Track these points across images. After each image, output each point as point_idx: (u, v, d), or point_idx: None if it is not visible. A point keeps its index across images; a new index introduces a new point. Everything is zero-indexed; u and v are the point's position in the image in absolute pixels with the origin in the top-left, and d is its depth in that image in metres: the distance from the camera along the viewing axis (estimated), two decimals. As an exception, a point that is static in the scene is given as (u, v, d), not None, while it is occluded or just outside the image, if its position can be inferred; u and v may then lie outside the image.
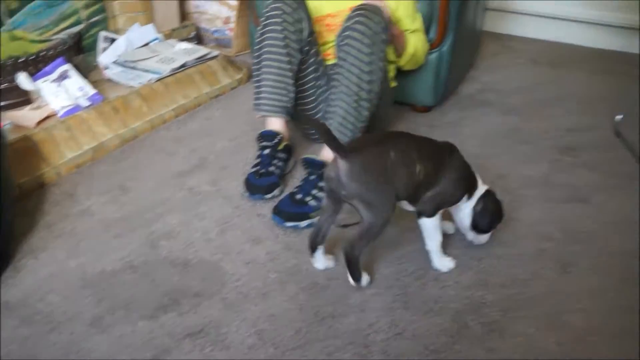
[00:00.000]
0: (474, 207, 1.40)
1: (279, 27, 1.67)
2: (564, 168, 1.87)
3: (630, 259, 1.47)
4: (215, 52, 2.45)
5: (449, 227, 1.52)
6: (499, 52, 2.94)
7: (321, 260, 1.40)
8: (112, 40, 2.38)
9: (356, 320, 1.26)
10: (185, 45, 2.45)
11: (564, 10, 3.12)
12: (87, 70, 2.30)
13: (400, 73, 2.03)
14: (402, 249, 1.48)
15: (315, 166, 1.57)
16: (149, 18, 2.55)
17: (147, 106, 2.13)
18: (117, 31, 2.48)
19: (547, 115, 2.24)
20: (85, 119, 1.94)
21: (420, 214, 1.36)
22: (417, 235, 1.41)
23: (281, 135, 1.72)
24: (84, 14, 2.36)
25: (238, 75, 2.45)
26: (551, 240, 1.54)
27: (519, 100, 2.37)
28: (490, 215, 1.41)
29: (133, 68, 2.26)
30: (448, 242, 1.49)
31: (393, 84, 1.96)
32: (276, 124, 1.76)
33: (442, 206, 1.36)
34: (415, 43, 1.90)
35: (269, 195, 1.65)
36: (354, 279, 1.31)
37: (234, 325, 1.25)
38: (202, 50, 2.43)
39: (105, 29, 2.45)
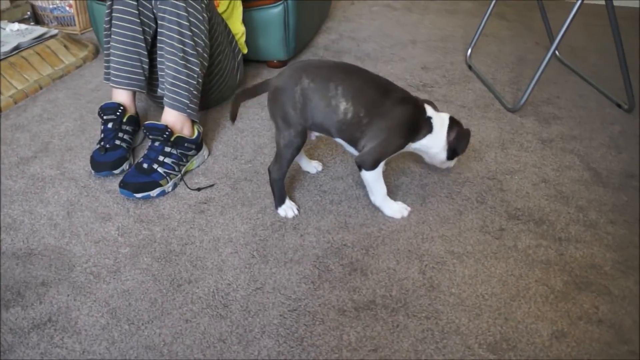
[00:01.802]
0: (448, 139, 1.34)
1: None
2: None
3: (483, 182, 1.52)
4: (54, 31, 2.26)
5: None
6: (354, 1, 2.95)
7: (307, 166, 1.56)
8: None
9: (214, 282, 1.20)
10: (17, 25, 2.25)
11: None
12: None
13: (250, 29, 1.96)
14: (259, 203, 1.44)
15: (158, 131, 1.48)
16: (-27, -1, 2.31)
17: (-21, 95, 1.93)
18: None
19: (403, 57, 2.28)
20: None
21: (359, 167, 1.32)
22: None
23: (123, 107, 1.60)
24: None
25: (83, 53, 2.28)
26: (409, 174, 1.55)
27: (375, 46, 2.39)
28: (465, 139, 1.35)
29: (-41, 55, 2.04)
30: (305, 189, 1.46)
31: (244, 50, 1.91)
32: (121, 95, 1.64)
33: (382, 158, 1.30)
34: None
35: (117, 171, 1.54)
36: (275, 201, 1.39)
37: (84, 308, 1.15)
38: (38, 30, 2.24)
39: None
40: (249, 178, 1.54)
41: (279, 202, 1.38)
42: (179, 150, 1.50)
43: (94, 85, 2.08)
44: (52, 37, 2.24)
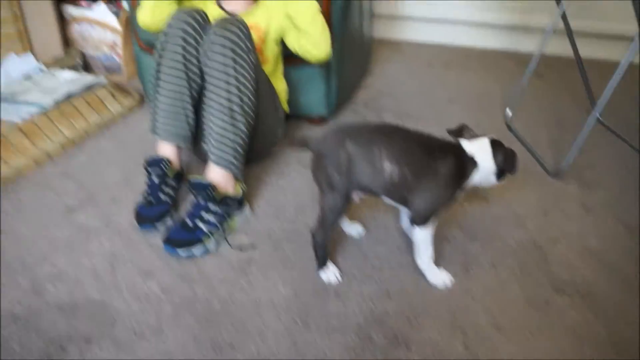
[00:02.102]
0: (496, 162, 1.33)
1: (179, 48, 1.59)
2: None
3: (526, 251, 1.51)
4: (103, 80, 2.34)
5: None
6: (393, 58, 2.99)
7: (349, 229, 1.56)
8: (-13, 74, 2.23)
9: (256, 348, 1.20)
10: (69, 74, 2.33)
11: (451, 14, 3.23)
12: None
13: (291, 86, 2.00)
14: (302, 265, 1.44)
15: (203, 188, 1.50)
16: (27, 47, 2.41)
17: (29, 141, 1.99)
18: (-7, 63, 2.32)
19: (442, 116, 2.29)
20: (-41, 160, 1.79)
21: (411, 221, 1.34)
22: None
23: (168, 161, 1.64)
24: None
25: (129, 102, 2.35)
26: (451, 240, 1.55)
27: (415, 104, 2.41)
28: (513, 160, 1.33)
29: (12, 102, 2.12)
30: (347, 252, 1.47)
31: (286, 108, 1.97)
32: (166, 149, 1.68)
33: (433, 212, 1.31)
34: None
35: (160, 225, 1.57)
36: (318, 264, 1.39)
37: (126, 367, 1.16)
38: (88, 79, 2.31)
39: (-21, 62, 2.29)
40: (291, 239, 1.54)
41: (322, 265, 1.38)
42: (222, 208, 1.52)
43: (140, 134, 2.13)
44: (100, 85, 2.31)
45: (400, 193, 1.30)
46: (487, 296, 1.35)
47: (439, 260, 1.46)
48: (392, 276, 1.41)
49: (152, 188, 1.60)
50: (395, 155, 1.26)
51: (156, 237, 1.54)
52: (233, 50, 1.53)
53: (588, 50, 2.79)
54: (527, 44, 3.13)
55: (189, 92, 1.63)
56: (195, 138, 1.71)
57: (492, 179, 1.36)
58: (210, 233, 1.48)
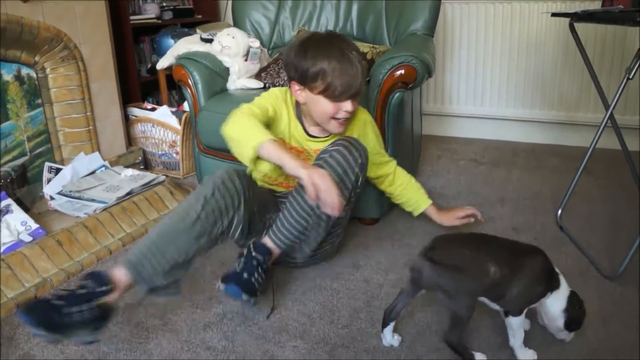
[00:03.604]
0: (565, 309, 1.46)
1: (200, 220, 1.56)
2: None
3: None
4: (162, 177, 2.46)
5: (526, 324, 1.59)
6: (441, 155, 3.05)
7: (388, 337, 1.54)
8: (58, 171, 2.38)
9: None
10: (131, 171, 2.46)
11: (497, 111, 3.31)
12: (33, 201, 2.28)
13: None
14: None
15: (265, 251, 1.63)
16: (95, 146, 2.57)
17: (92, 237, 2.09)
18: (63, 161, 2.48)
19: (492, 217, 2.30)
20: (28, 254, 1.88)
21: (506, 313, 1.44)
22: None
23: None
24: (28, 145, 2.36)
25: (186, 198, 2.45)
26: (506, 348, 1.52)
27: (464, 203, 2.43)
28: (580, 314, 1.49)
29: (79, 198, 2.25)
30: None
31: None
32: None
33: (527, 304, 1.44)
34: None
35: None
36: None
37: None
38: (148, 176, 2.44)
39: (51, 159, 2.45)
40: (347, 344, 1.55)
41: (471, 356, 1.44)
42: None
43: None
44: (160, 183, 2.43)
45: (497, 291, 1.42)
46: None
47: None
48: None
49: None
50: (496, 256, 1.41)
51: (213, 339, 1.57)
52: (345, 171, 1.66)
53: (634, 143, 2.80)
54: (573, 139, 3.17)
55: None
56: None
57: (559, 321, 1.48)
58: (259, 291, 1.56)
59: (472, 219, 2.02)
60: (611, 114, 2.30)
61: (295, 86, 1.74)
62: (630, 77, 2.30)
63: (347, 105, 1.70)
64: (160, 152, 2.79)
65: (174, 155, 2.77)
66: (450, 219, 2.00)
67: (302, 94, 1.74)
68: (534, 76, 3.20)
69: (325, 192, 1.47)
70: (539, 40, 3.14)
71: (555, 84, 3.17)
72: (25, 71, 2.33)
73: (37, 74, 2.38)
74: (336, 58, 1.65)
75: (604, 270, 1.89)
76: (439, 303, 1.53)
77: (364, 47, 2.40)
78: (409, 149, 2.49)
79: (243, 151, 1.58)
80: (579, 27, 2.19)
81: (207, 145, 2.32)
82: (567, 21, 2.19)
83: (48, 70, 2.40)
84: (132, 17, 3.13)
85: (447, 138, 3.32)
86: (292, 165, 1.51)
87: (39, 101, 2.41)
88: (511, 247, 1.47)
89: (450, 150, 3.13)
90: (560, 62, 3.13)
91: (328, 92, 1.68)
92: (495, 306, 1.46)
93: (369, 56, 2.36)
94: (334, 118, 1.73)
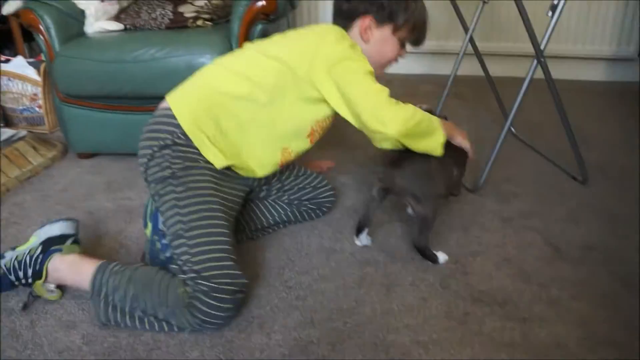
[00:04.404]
0: None
1: None
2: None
3: (446, 267, 1.55)
4: (23, 133, 2.30)
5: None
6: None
7: (363, 240, 1.65)
8: None
9: (180, 388, 1.19)
10: (-14, 130, 2.28)
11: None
12: None
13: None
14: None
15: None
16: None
17: (-55, 201, 1.94)
18: None
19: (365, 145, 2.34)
20: None
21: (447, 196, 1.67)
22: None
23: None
24: None
25: (51, 153, 2.31)
26: (373, 264, 1.58)
27: (337, 133, 2.46)
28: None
29: None
30: (270, 285, 1.48)
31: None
32: None
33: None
34: None
35: None
36: (432, 262, 1.57)
37: None
38: (7, 133, 2.28)
39: None
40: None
41: (435, 258, 1.58)
42: None
43: (62, 186, 2.10)
44: (20, 138, 2.27)
45: (453, 189, 1.69)
46: (408, 314, 1.38)
47: (361, 284, 1.49)
48: (316, 304, 1.42)
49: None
50: (455, 160, 1.64)
51: (79, 289, 1.51)
52: None
53: (502, 69, 2.94)
54: (445, 68, 3.27)
55: None
56: None
57: None
58: None
59: (325, 169, 2.12)
60: (471, 38, 2.39)
61: (370, 22, 1.53)
62: (486, 0, 2.39)
63: (405, 50, 1.63)
64: (21, 107, 2.60)
65: (37, 109, 2.59)
66: (310, 167, 2.03)
67: (375, 33, 1.55)
68: (405, 7, 3.25)
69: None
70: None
71: (425, 14, 3.24)
72: None
73: None
74: (421, 3, 1.60)
75: (468, 184, 2.00)
76: (403, 211, 1.61)
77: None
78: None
79: (436, 140, 1.48)
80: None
81: (67, 94, 2.18)
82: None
83: None
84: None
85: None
86: (455, 134, 1.60)
87: None
88: (457, 149, 1.61)
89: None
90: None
91: (411, 34, 1.59)
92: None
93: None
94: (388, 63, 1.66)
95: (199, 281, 1.29)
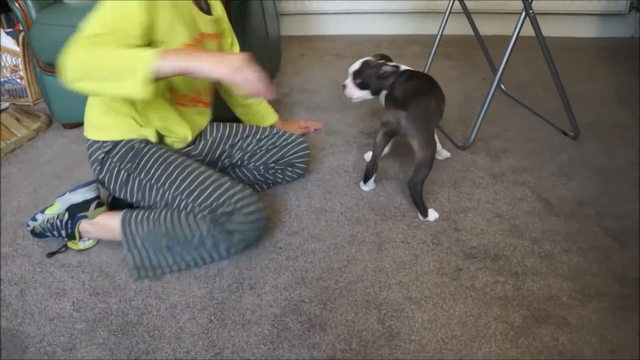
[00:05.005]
0: None
1: None
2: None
3: (437, 223, 1.55)
4: (4, 105, 2.26)
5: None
6: (305, 53, 3.02)
7: (371, 185, 1.72)
8: None
9: (172, 351, 1.18)
10: (-33, 102, 2.24)
11: (358, 6, 3.29)
12: None
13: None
14: (216, 264, 1.43)
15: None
16: None
17: None
18: None
19: (353, 105, 2.31)
20: None
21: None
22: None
23: None
24: None
25: (36, 125, 2.27)
26: (363, 222, 1.57)
27: (326, 96, 2.44)
28: None
29: None
30: (260, 247, 1.47)
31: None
32: None
33: None
34: None
35: None
36: (422, 214, 1.58)
37: (39, 391, 1.12)
38: (-12, 105, 2.23)
39: None
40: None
41: (426, 210, 1.58)
42: None
43: (48, 157, 2.06)
44: (2, 110, 2.23)
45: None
46: (400, 271, 1.38)
47: (352, 242, 1.48)
48: (306, 264, 1.41)
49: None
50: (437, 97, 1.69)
51: (68, 257, 1.50)
52: None
53: (490, 27, 2.89)
54: (433, 28, 3.22)
55: None
56: None
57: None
58: None
59: (313, 130, 2.12)
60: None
61: None
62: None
63: None
64: (2, 80, 2.55)
65: (19, 80, 2.54)
66: (294, 128, 2.03)
67: None
68: (392, -33, 3.19)
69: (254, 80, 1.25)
70: None
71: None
72: None
73: None
74: None
75: (458, 142, 1.98)
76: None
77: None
78: (264, 50, 2.43)
79: (130, 85, 1.17)
80: None
81: (48, 63, 2.13)
82: None
83: None
84: None
85: (310, 37, 3.29)
86: (207, 66, 1.21)
87: None
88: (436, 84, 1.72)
89: (313, 48, 3.10)
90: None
91: None
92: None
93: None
94: None
95: (216, 214, 1.34)
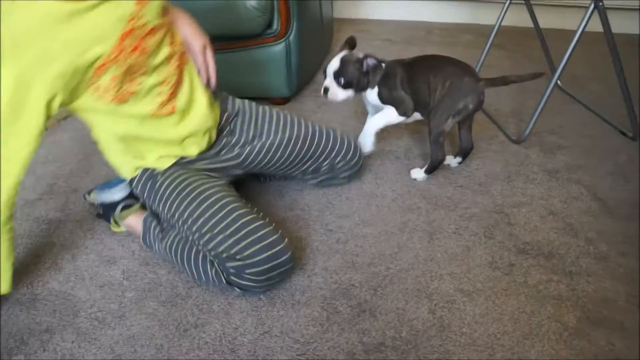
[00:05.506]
0: None
1: None
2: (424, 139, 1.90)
3: (490, 216, 1.51)
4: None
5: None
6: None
7: (456, 161, 1.75)
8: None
9: (221, 326, 1.18)
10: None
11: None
12: None
13: (252, 67, 1.98)
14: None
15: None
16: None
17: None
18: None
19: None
20: None
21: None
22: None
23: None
24: None
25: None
26: (415, 210, 1.54)
27: (378, 82, 2.39)
28: None
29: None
30: (310, 228, 1.46)
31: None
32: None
33: None
34: None
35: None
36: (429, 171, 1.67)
37: (89, 355, 1.14)
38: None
39: None
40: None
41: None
42: None
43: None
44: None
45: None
46: (451, 262, 1.35)
47: (404, 229, 1.46)
48: (357, 247, 1.40)
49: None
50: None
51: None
52: None
53: (546, 20, 2.82)
54: (486, 17, 3.15)
55: None
56: None
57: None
58: None
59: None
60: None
61: None
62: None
63: None
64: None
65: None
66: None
67: None
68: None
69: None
70: None
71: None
72: None
73: None
74: None
75: (512, 135, 1.93)
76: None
77: None
78: (318, 31, 2.40)
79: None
80: None
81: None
82: None
83: None
84: None
85: (361, 20, 3.25)
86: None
87: None
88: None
89: (363, 32, 3.06)
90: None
91: None
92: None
93: None
94: None
95: (225, 266, 1.21)
